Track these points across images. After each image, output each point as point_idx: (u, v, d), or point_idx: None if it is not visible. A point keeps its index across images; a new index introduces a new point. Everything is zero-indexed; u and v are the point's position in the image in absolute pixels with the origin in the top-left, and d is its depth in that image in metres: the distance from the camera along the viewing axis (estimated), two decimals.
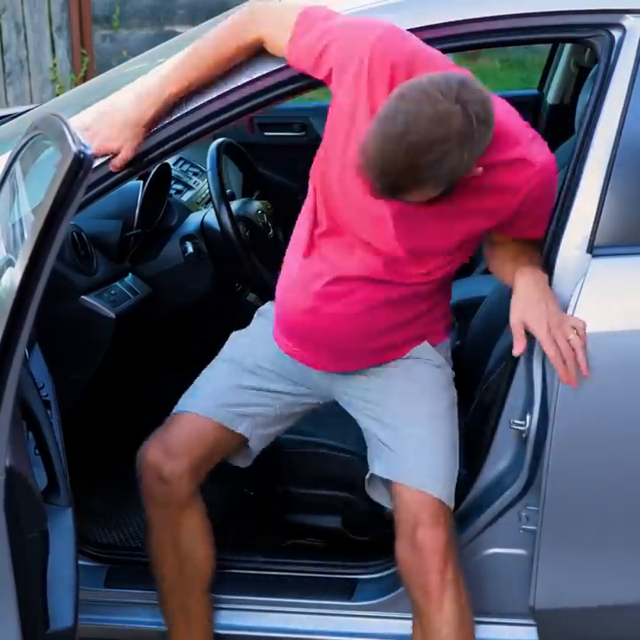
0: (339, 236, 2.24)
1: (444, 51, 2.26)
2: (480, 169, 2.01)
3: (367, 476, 2.38)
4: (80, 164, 1.54)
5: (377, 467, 2.35)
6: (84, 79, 7.49)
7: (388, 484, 2.34)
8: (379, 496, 2.40)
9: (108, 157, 2.21)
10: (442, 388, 2.36)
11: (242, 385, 2.41)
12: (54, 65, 7.57)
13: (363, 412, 2.40)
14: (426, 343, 2.35)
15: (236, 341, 2.49)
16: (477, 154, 1.97)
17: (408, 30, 2.19)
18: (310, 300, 2.27)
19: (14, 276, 1.71)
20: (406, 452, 2.32)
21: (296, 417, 2.49)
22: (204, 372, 2.47)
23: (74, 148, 1.55)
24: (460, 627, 2.25)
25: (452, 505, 2.30)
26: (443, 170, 1.94)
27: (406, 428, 2.33)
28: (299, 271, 2.32)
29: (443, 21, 2.21)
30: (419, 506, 2.28)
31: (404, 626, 2.40)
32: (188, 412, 2.40)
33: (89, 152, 1.54)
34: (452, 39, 2.23)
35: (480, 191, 2.09)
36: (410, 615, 2.38)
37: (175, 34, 7.22)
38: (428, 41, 2.21)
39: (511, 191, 2.10)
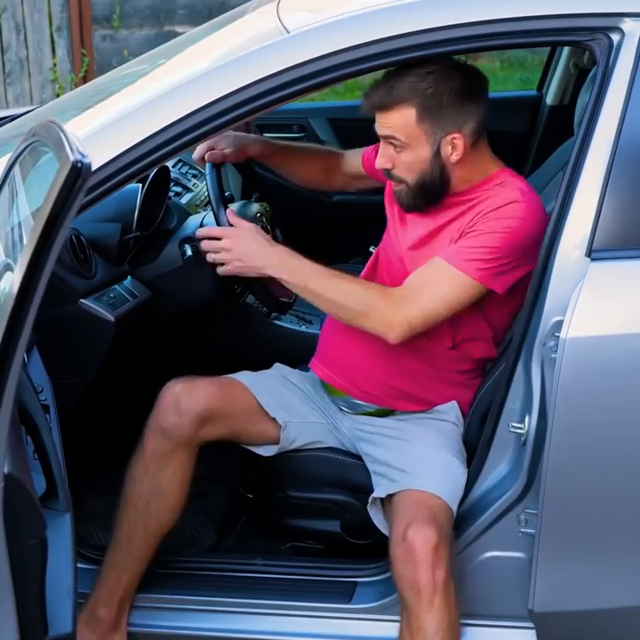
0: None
1: (445, 54, 2.27)
2: (457, 139, 2.33)
3: (370, 500, 2.42)
4: (78, 172, 1.54)
5: (381, 487, 2.41)
6: (84, 79, 7.49)
7: (388, 508, 2.39)
8: (380, 522, 2.42)
9: (107, 159, 2.22)
10: (455, 441, 2.49)
11: (286, 388, 2.62)
12: (54, 65, 7.58)
13: (373, 443, 2.54)
14: (453, 402, 2.54)
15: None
16: (449, 114, 2.32)
17: (407, 34, 2.21)
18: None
19: (13, 280, 1.71)
20: (412, 466, 2.40)
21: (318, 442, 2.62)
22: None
23: (71, 157, 1.55)
24: (450, 628, 2.23)
25: (453, 508, 2.31)
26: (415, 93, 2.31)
27: (413, 447, 2.46)
28: None
29: (442, 25, 2.21)
30: (415, 505, 2.29)
31: None
32: (235, 379, 2.57)
33: (87, 160, 1.54)
34: (452, 42, 2.22)
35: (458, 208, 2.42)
36: None
37: (175, 34, 7.23)
38: (428, 44, 2.22)
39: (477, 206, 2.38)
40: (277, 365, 2.73)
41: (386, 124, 2.37)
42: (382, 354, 2.48)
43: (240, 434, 2.55)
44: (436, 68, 2.33)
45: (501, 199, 2.35)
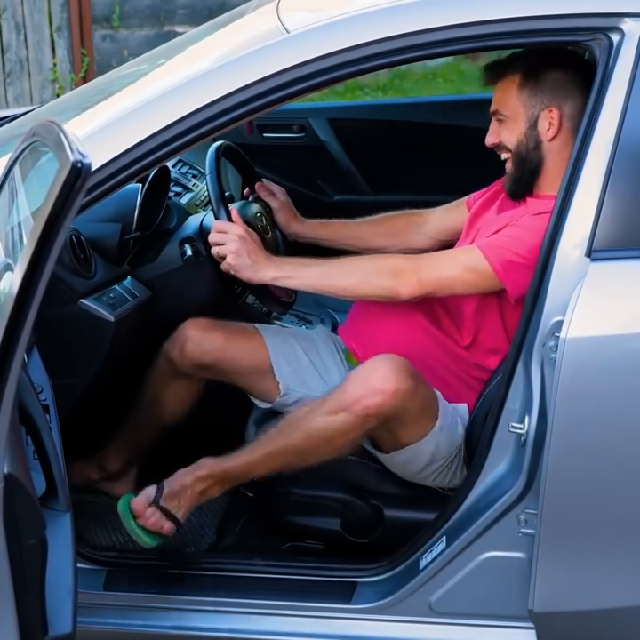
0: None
1: (444, 54, 2.28)
2: (553, 112, 2.44)
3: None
4: (78, 173, 1.54)
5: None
6: (84, 79, 7.48)
7: None
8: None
9: (107, 159, 2.22)
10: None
11: (308, 355, 2.76)
12: (54, 65, 7.57)
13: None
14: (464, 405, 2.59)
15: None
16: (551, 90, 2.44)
17: (407, 34, 2.21)
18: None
19: (13, 281, 1.71)
20: None
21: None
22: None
23: (71, 158, 1.55)
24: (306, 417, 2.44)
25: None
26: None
27: None
28: None
29: (442, 25, 2.21)
30: None
31: (404, 629, 2.41)
32: (257, 331, 2.77)
33: (86, 161, 1.54)
34: (452, 42, 2.23)
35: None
36: (409, 618, 2.39)
37: (175, 34, 7.22)
38: (428, 44, 2.22)
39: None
40: (320, 328, 2.92)
41: (494, 99, 2.53)
42: (406, 338, 2.58)
43: (239, 384, 2.76)
44: (552, 51, 2.44)
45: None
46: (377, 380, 2.37)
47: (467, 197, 2.84)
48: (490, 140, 2.55)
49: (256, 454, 2.51)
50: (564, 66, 2.47)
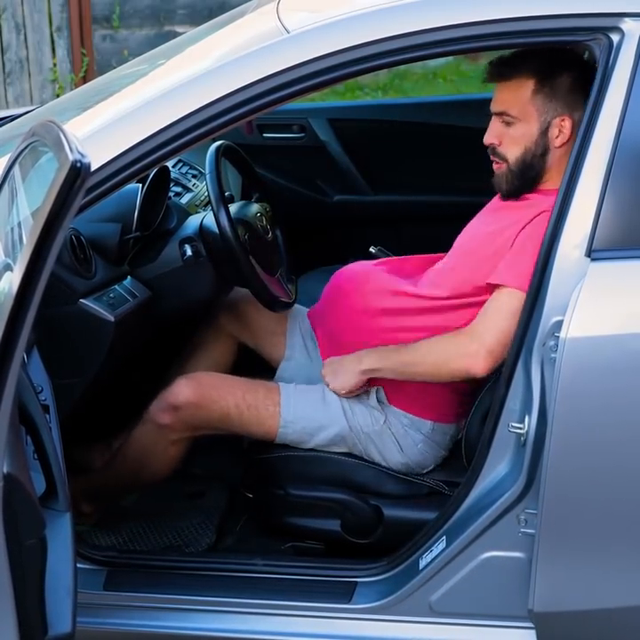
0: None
1: (444, 54, 2.27)
2: (565, 121, 2.40)
3: None
4: (77, 172, 1.54)
5: None
6: (84, 79, 7.48)
7: None
8: None
9: (107, 159, 2.22)
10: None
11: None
12: (54, 65, 7.57)
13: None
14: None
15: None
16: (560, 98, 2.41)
17: (407, 34, 2.21)
18: (356, 296, 2.65)
19: (13, 280, 1.71)
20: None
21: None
22: None
23: (71, 157, 1.55)
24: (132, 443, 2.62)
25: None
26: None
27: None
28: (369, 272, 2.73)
29: (442, 25, 2.21)
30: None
31: (403, 629, 2.40)
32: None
33: (86, 160, 1.54)
34: (452, 42, 2.22)
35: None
36: (409, 618, 2.39)
37: (175, 34, 7.22)
38: (428, 44, 2.22)
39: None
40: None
41: (501, 98, 2.46)
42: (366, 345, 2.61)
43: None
44: (562, 53, 2.42)
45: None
46: (170, 396, 2.62)
47: None
48: (490, 139, 2.50)
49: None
50: (576, 71, 2.44)
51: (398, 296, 2.61)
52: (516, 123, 2.45)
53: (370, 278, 2.67)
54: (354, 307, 2.65)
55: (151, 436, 2.66)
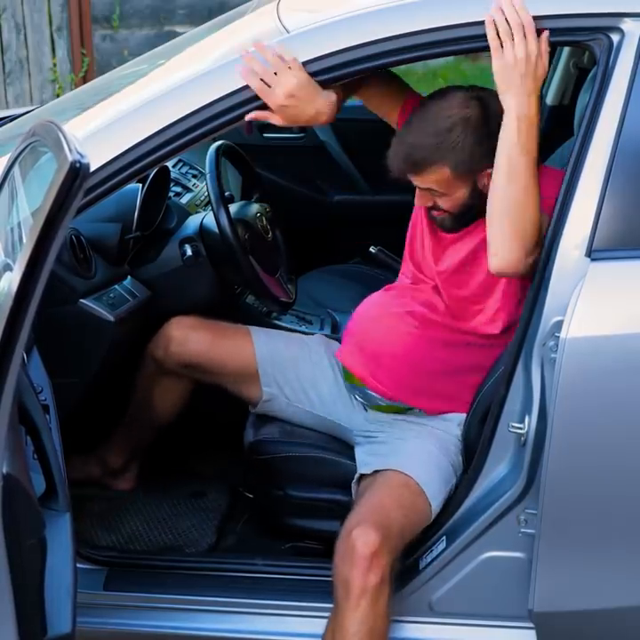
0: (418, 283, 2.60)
1: (445, 54, 2.28)
2: (491, 169, 2.25)
3: (354, 478, 2.50)
4: (76, 173, 1.54)
5: (367, 466, 2.48)
6: (84, 79, 7.48)
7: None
8: None
9: (107, 159, 2.22)
10: (452, 451, 2.51)
11: (298, 365, 2.71)
12: (54, 65, 7.57)
13: (370, 439, 2.59)
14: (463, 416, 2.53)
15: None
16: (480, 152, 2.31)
17: (407, 34, 2.21)
18: (381, 310, 2.55)
19: (12, 280, 1.71)
20: (399, 451, 2.48)
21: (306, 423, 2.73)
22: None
23: (70, 158, 1.55)
24: (370, 632, 2.25)
25: (431, 500, 2.38)
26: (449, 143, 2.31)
27: (407, 442, 2.52)
28: (384, 296, 2.62)
29: (442, 25, 2.21)
30: (385, 487, 2.39)
31: (404, 628, 2.41)
32: (248, 334, 2.75)
33: (85, 161, 1.55)
34: (452, 42, 2.23)
35: None
36: (410, 618, 2.39)
37: (175, 34, 7.21)
38: (428, 44, 2.22)
39: None
40: (317, 336, 2.87)
41: (422, 180, 2.40)
42: (402, 347, 2.52)
43: (223, 385, 2.77)
44: (453, 117, 2.32)
45: None
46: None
47: (405, 101, 2.59)
48: (422, 203, 2.46)
49: None
50: (476, 121, 2.33)
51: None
52: (445, 194, 2.40)
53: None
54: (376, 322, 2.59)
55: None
